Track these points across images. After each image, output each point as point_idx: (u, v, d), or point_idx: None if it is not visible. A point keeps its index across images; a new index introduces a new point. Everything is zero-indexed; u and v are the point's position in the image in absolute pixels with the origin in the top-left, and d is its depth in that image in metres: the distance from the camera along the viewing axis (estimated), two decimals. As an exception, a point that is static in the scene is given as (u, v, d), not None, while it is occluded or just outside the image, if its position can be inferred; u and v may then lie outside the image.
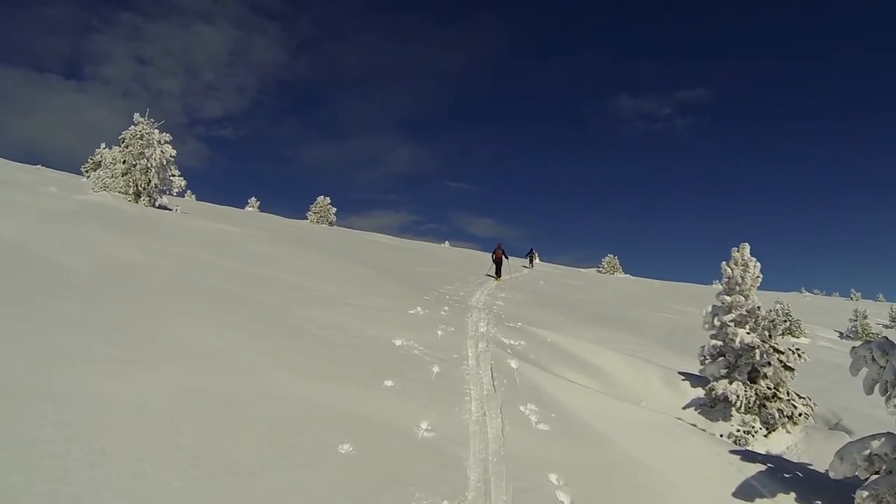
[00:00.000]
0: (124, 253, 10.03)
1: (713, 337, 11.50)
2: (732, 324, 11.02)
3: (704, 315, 11.70)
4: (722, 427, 10.26)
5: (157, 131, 20.47)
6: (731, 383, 10.44)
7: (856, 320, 28.03)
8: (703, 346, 11.62)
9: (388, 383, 6.58)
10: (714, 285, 46.91)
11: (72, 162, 29.44)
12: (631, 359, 12.07)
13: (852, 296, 48.59)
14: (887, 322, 33.89)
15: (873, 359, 5.55)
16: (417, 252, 31.19)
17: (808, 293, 52.03)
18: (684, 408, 10.81)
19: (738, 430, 10.08)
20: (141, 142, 20.34)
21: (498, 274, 24.21)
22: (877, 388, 5.62)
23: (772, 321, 10.57)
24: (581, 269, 44.66)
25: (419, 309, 11.04)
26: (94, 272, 8.19)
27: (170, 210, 20.70)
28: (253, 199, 41.78)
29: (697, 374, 11.68)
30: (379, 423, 5.61)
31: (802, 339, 22.52)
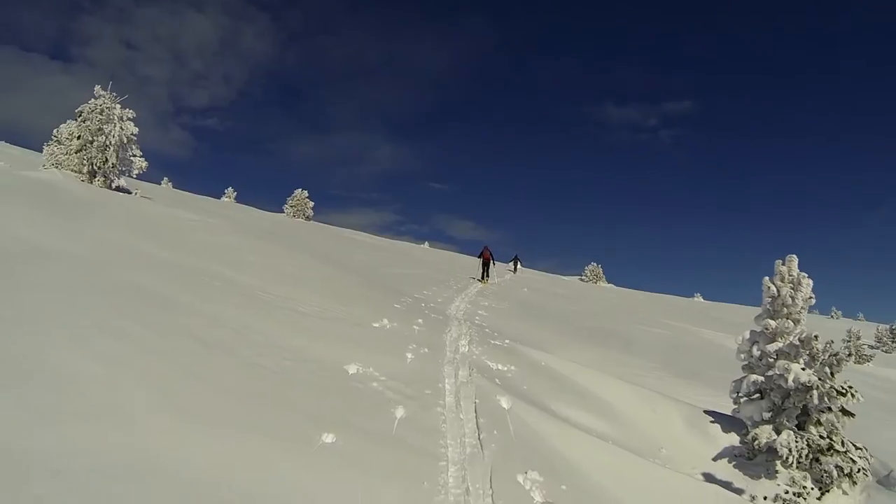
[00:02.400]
0: (37, 236, 8.18)
1: (749, 369, 9.39)
2: (776, 355, 8.94)
3: (740, 342, 9.56)
4: (765, 486, 8.14)
5: (118, 106, 18.34)
6: (778, 432, 8.34)
7: (849, 341, 26.43)
8: (736, 381, 9.50)
9: (329, 438, 4.43)
10: (696, 298, 45.19)
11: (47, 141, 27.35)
12: (642, 390, 9.99)
13: (833, 314, 46.89)
14: (873, 342, 31.92)
15: None
16: (394, 252, 29.26)
17: (790, 310, 50.14)
18: (715, 458, 8.69)
19: (787, 492, 7.97)
20: (100, 116, 18.21)
21: (485, 276, 23.29)
22: None
23: (834, 354, 8.42)
24: (564, 277, 42.93)
25: (386, 321, 8.87)
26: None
27: (128, 193, 18.56)
28: (229, 189, 39.19)
29: (729, 414, 9.58)
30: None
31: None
